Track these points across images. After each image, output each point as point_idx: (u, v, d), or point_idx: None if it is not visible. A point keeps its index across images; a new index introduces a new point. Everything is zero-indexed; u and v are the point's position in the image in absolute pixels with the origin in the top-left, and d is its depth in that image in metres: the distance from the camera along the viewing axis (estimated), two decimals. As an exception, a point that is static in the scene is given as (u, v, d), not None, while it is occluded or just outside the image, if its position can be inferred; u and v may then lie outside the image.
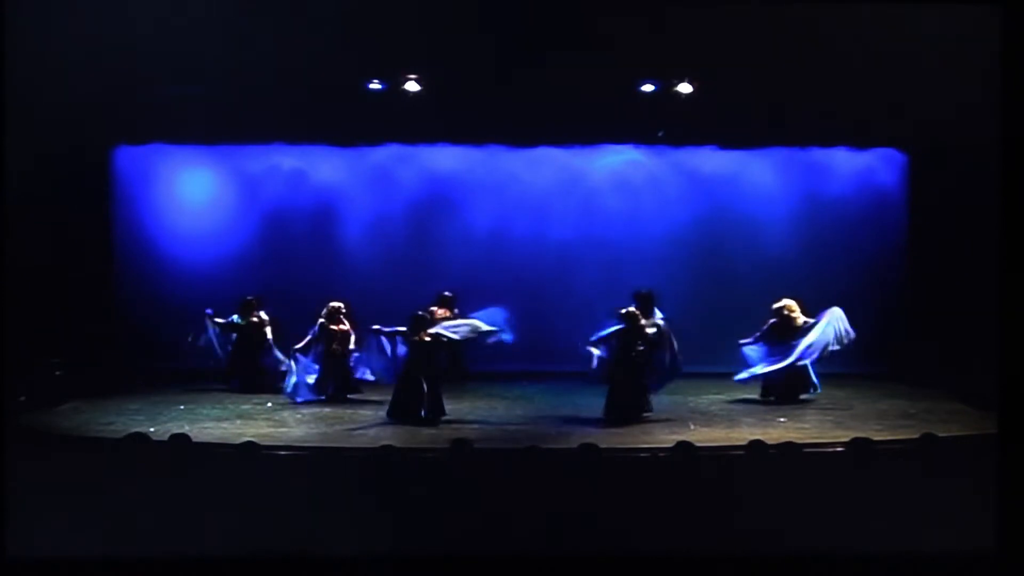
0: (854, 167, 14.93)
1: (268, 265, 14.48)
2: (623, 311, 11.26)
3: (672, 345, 11.41)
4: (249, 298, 13.09)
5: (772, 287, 12.89)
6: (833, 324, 12.11)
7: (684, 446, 8.07)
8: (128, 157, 14.63)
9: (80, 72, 11.46)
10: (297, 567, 6.75)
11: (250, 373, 12.91)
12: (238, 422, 10.97)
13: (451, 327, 11.34)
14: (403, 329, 11.10)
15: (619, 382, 11.08)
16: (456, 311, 12.74)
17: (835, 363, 13.65)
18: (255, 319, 13.06)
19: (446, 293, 13.17)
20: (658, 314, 11.95)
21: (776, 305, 12.33)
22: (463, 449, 8.03)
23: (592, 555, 6.78)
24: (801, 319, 12.24)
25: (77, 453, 9.03)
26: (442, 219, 14.92)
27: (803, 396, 12.31)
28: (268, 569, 6.74)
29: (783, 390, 12.21)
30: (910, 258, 14.40)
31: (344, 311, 12.35)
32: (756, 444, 8.01)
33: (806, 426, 10.47)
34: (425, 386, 10.87)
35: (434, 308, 12.88)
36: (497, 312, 11.71)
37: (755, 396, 12.41)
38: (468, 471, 7.85)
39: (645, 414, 11.08)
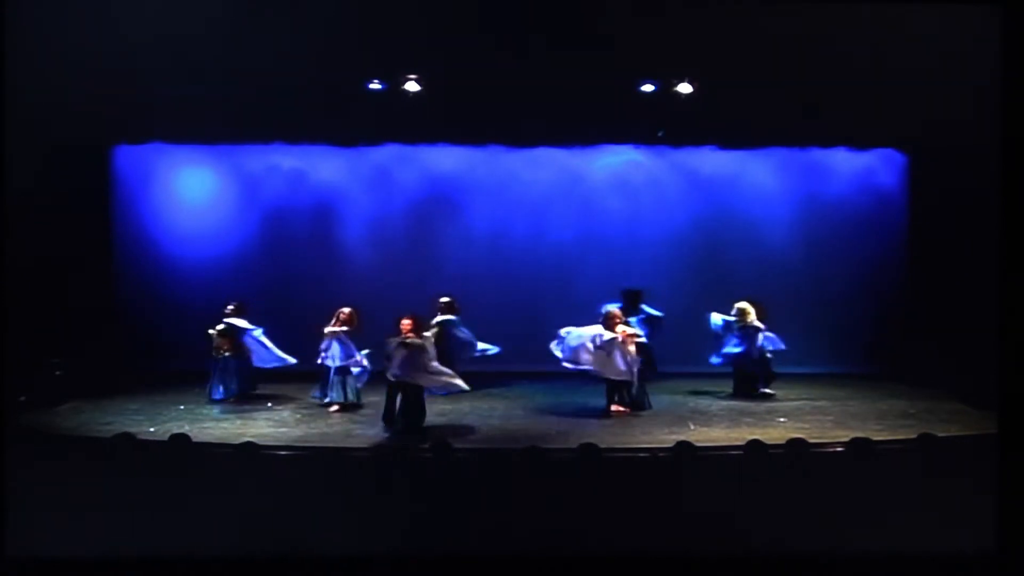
0: (854, 167, 14.92)
1: (268, 265, 14.48)
2: (604, 311, 11.52)
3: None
4: (230, 306, 12.51)
5: (772, 287, 12.92)
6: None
7: (684, 446, 8.07)
8: (128, 157, 14.62)
9: (80, 72, 11.45)
10: (297, 567, 6.75)
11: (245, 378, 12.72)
12: (238, 422, 10.97)
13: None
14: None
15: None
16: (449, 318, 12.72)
17: (836, 363, 13.73)
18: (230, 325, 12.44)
19: (443, 299, 13.02)
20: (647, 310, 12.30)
21: (737, 305, 12.49)
22: (453, 450, 8.04)
23: (592, 555, 6.78)
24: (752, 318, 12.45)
25: (77, 453, 9.02)
26: (442, 219, 14.92)
27: (765, 390, 12.44)
28: (268, 569, 6.74)
29: (741, 381, 12.49)
30: (910, 258, 14.40)
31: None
32: (755, 444, 8.01)
33: (806, 426, 10.46)
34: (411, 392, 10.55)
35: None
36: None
37: (755, 396, 12.43)
38: (467, 471, 7.85)
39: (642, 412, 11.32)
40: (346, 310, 11.88)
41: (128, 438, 8.38)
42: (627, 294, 12.58)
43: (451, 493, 7.19)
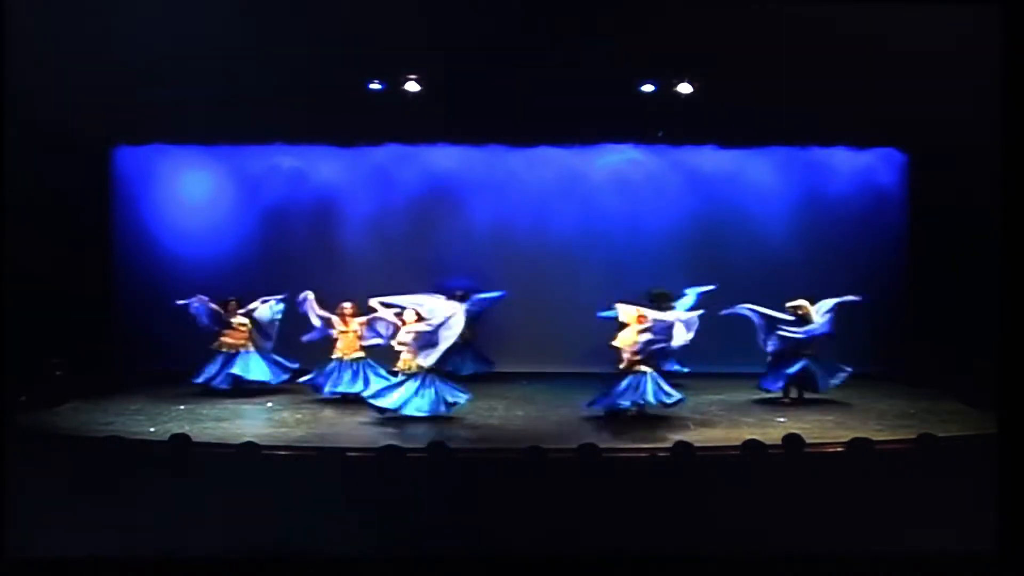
0: (854, 167, 14.92)
1: (269, 266, 14.46)
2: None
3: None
4: (230, 300, 12.92)
5: (772, 286, 12.90)
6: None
7: (683, 446, 8.07)
8: (128, 157, 14.63)
9: (80, 72, 11.45)
10: (297, 567, 6.75)
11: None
12: (238, 422, 10.98)
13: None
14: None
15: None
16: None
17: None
18: (236, 321, 12.89)
19: (458, 292, 13.24)
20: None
21: (790, 304, 12.36)
22: (452, 450, 8.04)
23: (592, 555, 6.78)
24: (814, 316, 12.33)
25: (77, 453, 9.03)
26: (442, 219, 14.90)
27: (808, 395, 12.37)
28: (268, 569, 6.74)
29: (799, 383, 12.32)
30: (910, 257, 14.40)
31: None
32: (753, 444, 8.00)
33: (806, 426, 10.46)
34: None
35: None
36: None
37: (755, 396, 12.42)
38: (467, 471, 7.85)
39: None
40: (347, 305, 12.31)
41: (127, 439, 8.37)
42: (656, 295, 12.56)
43: (451, 493, 7.19)
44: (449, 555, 6.79)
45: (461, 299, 13.09)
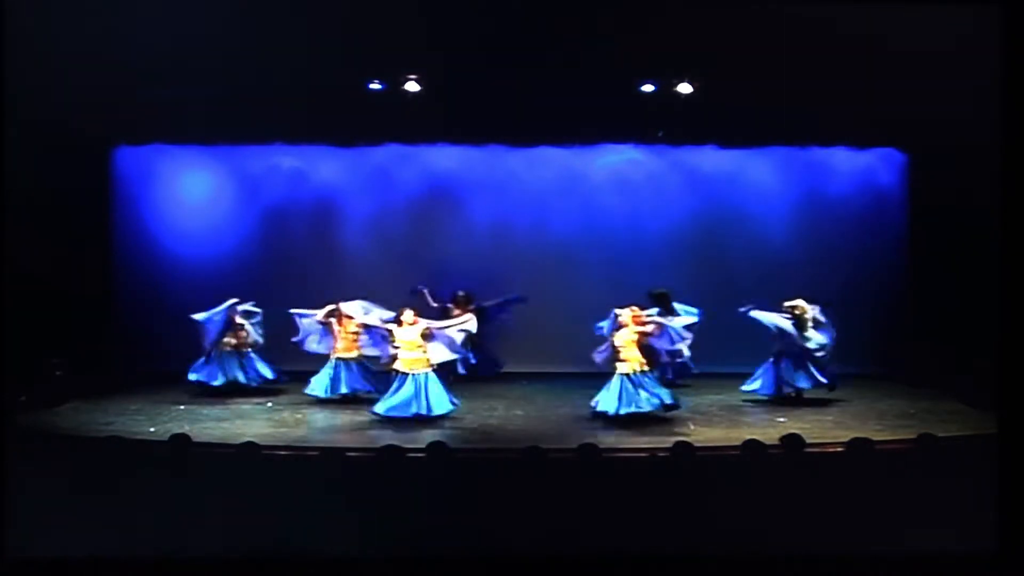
0: (854, 167, 14.92)
1: (269, 266, 14.48)
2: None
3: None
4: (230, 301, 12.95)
5: (772, 286, 12.89)
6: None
7: (683, 446, 8.07)
8: (128, 157, 14.63)
9: (80, 72, 11.45)
10: (297, 567, 6.75)
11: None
12: (238, 422, 10.97)
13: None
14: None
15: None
16: (472, 307, 12.92)
17: (836, 363, 13.69)
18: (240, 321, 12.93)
19: (460, 292, 13.29)
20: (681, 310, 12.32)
21: (788, 304, 12.32)
22: (452, 450, 8.05)
23: (592, 555, 6.79)
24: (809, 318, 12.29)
25: (77, 453, 9.02)
26: (442, 219, 14.91)
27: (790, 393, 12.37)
28: (268, 569, 6.74)
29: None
30: (910, 257, 14.40)
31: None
32: (753, 444, 8.00)
33: (806, 426, 10.46)
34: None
35: (450, 306, 13.15)
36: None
37: (755, 396, 12.41)
38: (467, 471, 7.85)
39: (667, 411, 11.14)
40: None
41: (127, 439, 8.38)
42: (656, 295, 12.57)
43: (451, 493, 7.19)
44: (449, 555, 6.80)
45: (465, 300, 13.24)
